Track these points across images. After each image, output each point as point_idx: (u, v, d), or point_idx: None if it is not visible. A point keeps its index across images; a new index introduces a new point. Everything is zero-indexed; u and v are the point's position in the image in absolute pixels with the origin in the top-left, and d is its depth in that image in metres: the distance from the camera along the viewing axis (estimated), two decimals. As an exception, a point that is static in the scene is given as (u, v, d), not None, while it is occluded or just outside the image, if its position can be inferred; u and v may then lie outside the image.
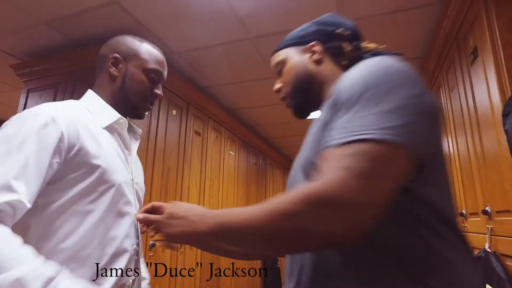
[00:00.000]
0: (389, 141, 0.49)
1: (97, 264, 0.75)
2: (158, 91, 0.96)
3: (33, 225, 0.72)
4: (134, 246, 0.86)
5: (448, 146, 2.10)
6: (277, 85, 0.85)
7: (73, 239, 0.73)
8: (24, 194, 0.66)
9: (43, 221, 0.73)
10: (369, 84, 0.55)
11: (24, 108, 2.47)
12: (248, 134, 4.03)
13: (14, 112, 3.45)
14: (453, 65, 1.87)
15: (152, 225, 0.73)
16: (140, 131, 1.01)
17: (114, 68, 0.91)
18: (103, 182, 0.78)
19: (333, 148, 0.53)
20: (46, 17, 1.99)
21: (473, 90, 1.60)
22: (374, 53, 0.78)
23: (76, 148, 0.76)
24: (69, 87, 2.31)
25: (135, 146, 0.98)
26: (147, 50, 0.94)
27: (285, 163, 5.84)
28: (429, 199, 0.56)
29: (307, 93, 0.80)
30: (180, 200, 2.57)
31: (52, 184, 0.74)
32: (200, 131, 2.95)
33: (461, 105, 1.78)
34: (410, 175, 0.53)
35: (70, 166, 0.75)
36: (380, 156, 0.49)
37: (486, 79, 1.42)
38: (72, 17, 1.99)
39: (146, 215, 0.74)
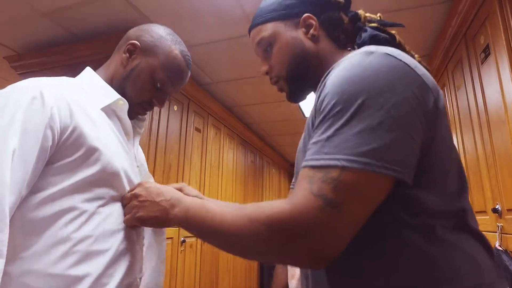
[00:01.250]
0: (360, 170, 0.46)
1: (101, 260, 0.66)
2: (157, 103, 0.83)
3: (18, 214, 0.60)
4: (141, 240, 0.79)
5: (453, 144, 2.10)
6: (265, 67, 0.74)
7: (69, 230, 0.62)
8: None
9: (34, 210, 0.61)
10: (353, 93, 0.50)
11: (19, 102, 2.38)
12: (246, 132, 3.99)
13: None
14: (461, 64, 1.87)
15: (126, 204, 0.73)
16: (144, 117, 0.90)
17: (128, 56, 0.80)
18: (103, 168, 0.68)
19: (307, 169, 0.51)
20: (44, 8, 1.92)
21: (483, 88, 1.60)
22: (375, 28, 0.70)
23: (70, 129, 0.64)
24: (67, 81, 2.24)
25: (138, 132, 0.88)
26: (170, 54, 0.81)
27: (280, 162, 5.82)
28: (417, 198, 0.52)
29: (305, 77, 0.70)
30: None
31: (45, 167, 0.63)
32: (200, 128, 2.90)
33: (468, 104, 1.78)
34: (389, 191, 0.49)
35: (64, 150, 0.64)
36: (347, 185, 0.46)
37: (499, 76, 1.42)
38: (72, 9, 1.92)
39: (127, 195, 0.73)
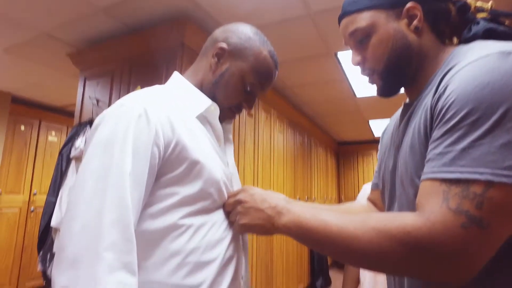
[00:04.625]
0: (510, 185, 0.42)
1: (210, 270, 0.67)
2: (246, 106, 0.82)
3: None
4: (245, 245, 0.80)
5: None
6: (357, 58, 0.68)
7: (180, 244, 0.64)
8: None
9: (147, 225, 0.63)
10: (494, 101, 0.45)
11: (83, 96, 2.52)
12: (294, 114, 3.94)
13: (71, 99, 3.57)
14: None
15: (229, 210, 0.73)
16: (231, 120, 0.89)
17: (216, 60, 0.78)
18: (206, 181, 0.68)
19: (437, 182, 0.47)
20: (103, 4, 1.97)
21: None
22: (489, 19, 0.61)
23: (173, 144, 0.65)
24: (125, 74, 2.32)
25: (229, 139, 0.88)
26: (260, 56, 0.78)
27: (328, 141, 5.72)
28: None
29: (403, 73, 0.65)
30: (236, 183, 2.57)
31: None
32: (252, 113, 2.90)
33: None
34: None
35: (169, 164, 0.65)
36: (496, 202, 0.43)
37: None
38: (128, 2, 1.95)
39: (230, 201, 0.73)
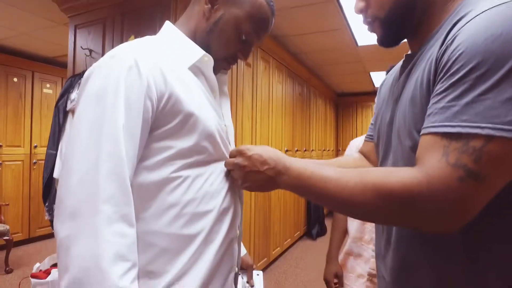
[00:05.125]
0: (510, 140, 0.42)
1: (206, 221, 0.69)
2: (242, 56, 0.78)
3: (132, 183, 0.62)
4: (238, 199, 0.80)
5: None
6: (361, 3, 0.65)
7: (176, 196, 0.65)
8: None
9: (143, 177, 0.64)
10: (504, 54, 0.43)
11: (75, 46, 2.43)
12: (293, 63, 3.84)
13: (64, 49, 3.45)
14: None
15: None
16: (226, 71, 0.86)
17: (210, 7, 0.73)
18: (200, 133, 0.67)
19: (438, 136, 0.46)
20: None
21: None
22: None
23: (166, 96, 0.63)
24: (117, 22, 2.21)
25: (224, 91, 0.86)
26: (256, 3, 0.74)
27: (326, 92, 5.65)
28: None
29: (406, 22, 0.62)
30: (235, 134, 2.58)
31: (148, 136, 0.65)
32: (250, 62, 2.82)
33: None
34: None
35: (163, 117, 0.64)
36: (494, 155, 0.43)
37: None
38: None
39: (229, 161, 0.73)
